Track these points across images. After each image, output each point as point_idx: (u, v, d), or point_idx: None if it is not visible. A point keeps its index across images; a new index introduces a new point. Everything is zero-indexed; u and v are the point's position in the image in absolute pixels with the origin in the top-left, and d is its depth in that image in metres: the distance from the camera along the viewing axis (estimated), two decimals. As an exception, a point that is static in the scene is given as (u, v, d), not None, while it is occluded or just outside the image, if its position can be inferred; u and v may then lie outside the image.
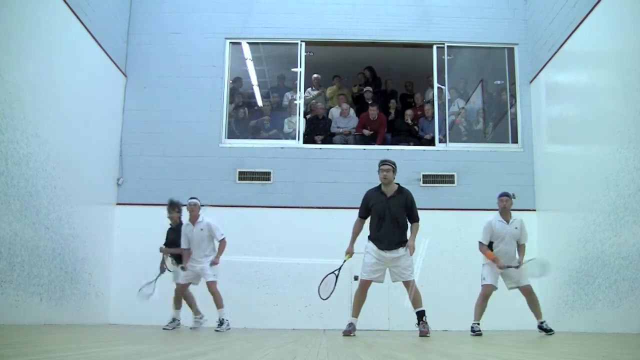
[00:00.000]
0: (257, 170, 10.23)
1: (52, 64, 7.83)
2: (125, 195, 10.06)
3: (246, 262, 9.68)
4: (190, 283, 7.94)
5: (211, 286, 7.67)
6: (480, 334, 6.96)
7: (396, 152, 10.48)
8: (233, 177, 10.12)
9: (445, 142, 10.56)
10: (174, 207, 8.31)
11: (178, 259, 8.12)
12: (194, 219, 7.83)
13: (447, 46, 10.77)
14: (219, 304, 7.66)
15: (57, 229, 7.93)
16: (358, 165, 10.34)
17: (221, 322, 7.56)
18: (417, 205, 9.97)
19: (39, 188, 7.46)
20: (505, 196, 7.27)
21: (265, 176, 10.22)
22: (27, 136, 7.16)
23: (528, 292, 7.12)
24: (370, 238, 6.89)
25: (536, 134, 10.26)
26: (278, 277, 9.81)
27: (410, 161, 10.32)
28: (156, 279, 8.16)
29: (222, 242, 7.89)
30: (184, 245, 7.87)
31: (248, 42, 11.06)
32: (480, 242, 7.23)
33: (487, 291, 7.21)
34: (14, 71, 6.87)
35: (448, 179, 10.23)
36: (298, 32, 10.76)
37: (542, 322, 7.06)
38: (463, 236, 9.55)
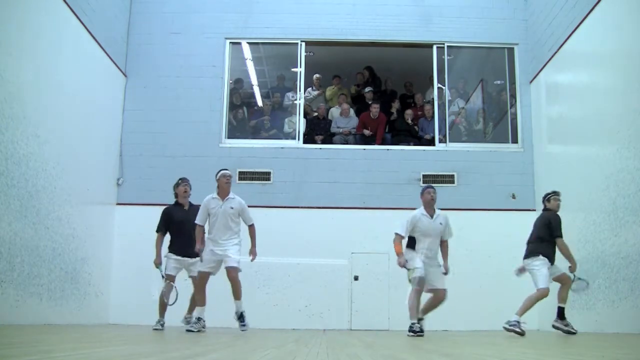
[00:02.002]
0: (257, 170, 10.23)
1: (52, 64, 7.83)
2: (125, 195, 10.06)
3: (246, 262, 9.66)
4: (210, 273, 6.87)
5: (234, 272, 6.74)
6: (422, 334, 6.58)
7: (396, 152, 10.49)
8: (233, 177, 10.10)
9: (445, 142, 10.56)
10: (187, 180, 7.42)
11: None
12: (225, 194, 6.90)
13: (447, 46, 10.77)
14: (239, 293, 6.78)
15: (57, 229, 7.93)
16: (358, 165, 10.35)
17: (242, 316, 6.77)
18: (417, 206, 9.97)
19: (39, 188, 7.45)
20: (431, 188, 6.89)
21: (265, 176, 10.22)
22: (27, 136, 7.16)
23: (442, 297, 6.77)
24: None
25: (536, 134, 10.26)
26: (278, 277, 9.82)
27: (410, 161, 10.33)
28: (163, 277, 7.17)
29: (254, 229, 7.00)
30: (199, 221, 6.88)
31: (248, 42, 11.07)
32: (396, 233, 6.75)
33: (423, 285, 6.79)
34: (14, 71, 6.87)
35: (448, 179, 10.23)
36: (298, 32, 10.76)
37: (421, 320, 6.72)
38: (463, 236, 9.53)
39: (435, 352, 3.95)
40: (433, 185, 7.18)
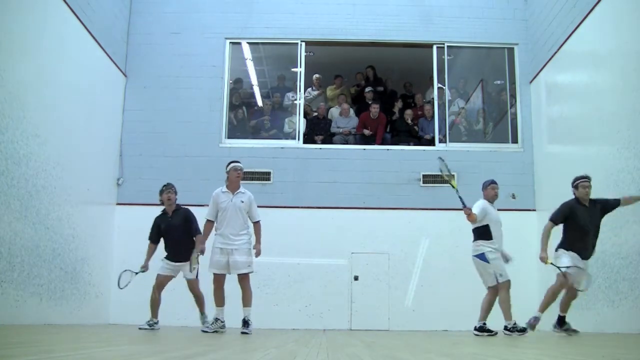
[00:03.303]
0: (257, 170, 10.23)
1: (52, 64, 7.83)
2: (125, 195, 10.06)
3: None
4: (224, 274, 6.70)
5: (245, 279, 6.64)
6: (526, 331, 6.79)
7: (396, 152, 10.49)
8: (233, 177, 10.10)
9: (445, 142, 10.56)
10: (171, 187, 7.29)
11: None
12: (235, 187, 6.75)
13: (447, 46, 10.77)
14: (249, 300, 6.67)
15: (57, 229, 7.93)
16: (358, 165, 10.35)
17: (247, 323, 6.60)
18: (416, 206, 10.06)
19: (39, 188, 7.46)
20: (496, 183, 7.31)
21: (265, 176, 10.22)
22: (27, 136, 7.16)
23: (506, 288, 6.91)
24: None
25: (536, 134, 10.26)
26: (278, 277, 9.82)
27: (410, 161, 10.33)
28: (137, 273, 7.30)
29: (259, 226, 6.84)
30: (210, 216, 6.76)
31: (248, 42, 11.07)
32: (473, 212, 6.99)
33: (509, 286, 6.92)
34: (14, 71, 6.88)
35: (450, 184, 10.22)
36: (298, 32, 10.77)
37: (514, 324, 6.87)
38: (463, 236, 9.53)
39: (435, 352, 3.95)
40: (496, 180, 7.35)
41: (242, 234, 6.70)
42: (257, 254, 6.78)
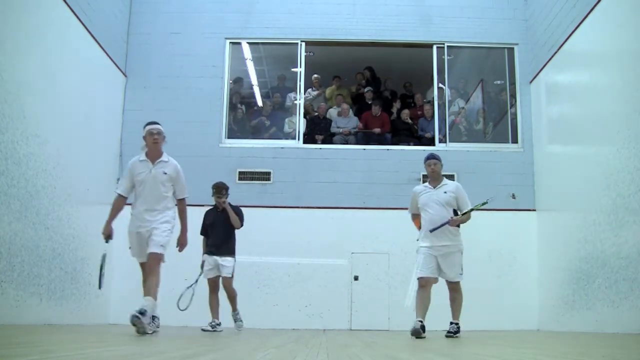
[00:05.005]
0: (257, 170, 10.24)
1: (52, 64, 7.82)
2: (125, 195, 10.05)
3: (246, 262, 9.66)
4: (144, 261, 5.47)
5: (152, 262, 5.23)
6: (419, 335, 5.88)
7: (396, 152, 10.49)
8: (233, 177, 10.11)
9: (445, 142, 10.56)
10: (222, 189, 7.40)
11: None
12: (155, 155, 5.41)
13: (447, 46, 10.77)
14: (154, 290, 5.20)
15: (57, 229, 7.93)
16: (358, 165, 10.36)
17: (143, 313, 5.00)
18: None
19: (39, 188, 7.45)
20: (433, 159, 6.36)
21: (265, 176, 10.23)
22: (27, 136, 7.15)
23: (454, 289, 6.48)
24: None
25: (536, 134, 10.27)
26: (278, 277, 9.82)
27: (410, 161, 10.32)
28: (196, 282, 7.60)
29: (184, 204, 5.55)
30: (122, 190, 5.49)
31: (248, 42, 11.07)
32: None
33: (422, 284, 6.28)
34: (14, 71, 6.87)
35: (448, 179, 10.22)
36: (298, 32, 10.77)
37: (456, 324, 6.32)
38: (463, 236, 9.52)
39: (435, 352, 3.95)
40: (435, 155, 6.53)
41: (162, 212, 5.37)
42: (182, 247, 5.58)
